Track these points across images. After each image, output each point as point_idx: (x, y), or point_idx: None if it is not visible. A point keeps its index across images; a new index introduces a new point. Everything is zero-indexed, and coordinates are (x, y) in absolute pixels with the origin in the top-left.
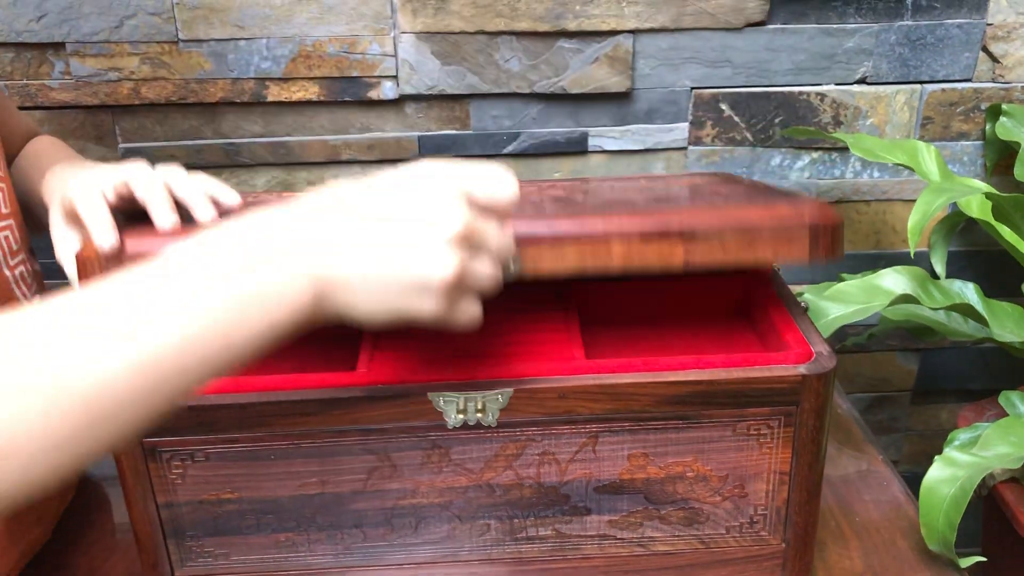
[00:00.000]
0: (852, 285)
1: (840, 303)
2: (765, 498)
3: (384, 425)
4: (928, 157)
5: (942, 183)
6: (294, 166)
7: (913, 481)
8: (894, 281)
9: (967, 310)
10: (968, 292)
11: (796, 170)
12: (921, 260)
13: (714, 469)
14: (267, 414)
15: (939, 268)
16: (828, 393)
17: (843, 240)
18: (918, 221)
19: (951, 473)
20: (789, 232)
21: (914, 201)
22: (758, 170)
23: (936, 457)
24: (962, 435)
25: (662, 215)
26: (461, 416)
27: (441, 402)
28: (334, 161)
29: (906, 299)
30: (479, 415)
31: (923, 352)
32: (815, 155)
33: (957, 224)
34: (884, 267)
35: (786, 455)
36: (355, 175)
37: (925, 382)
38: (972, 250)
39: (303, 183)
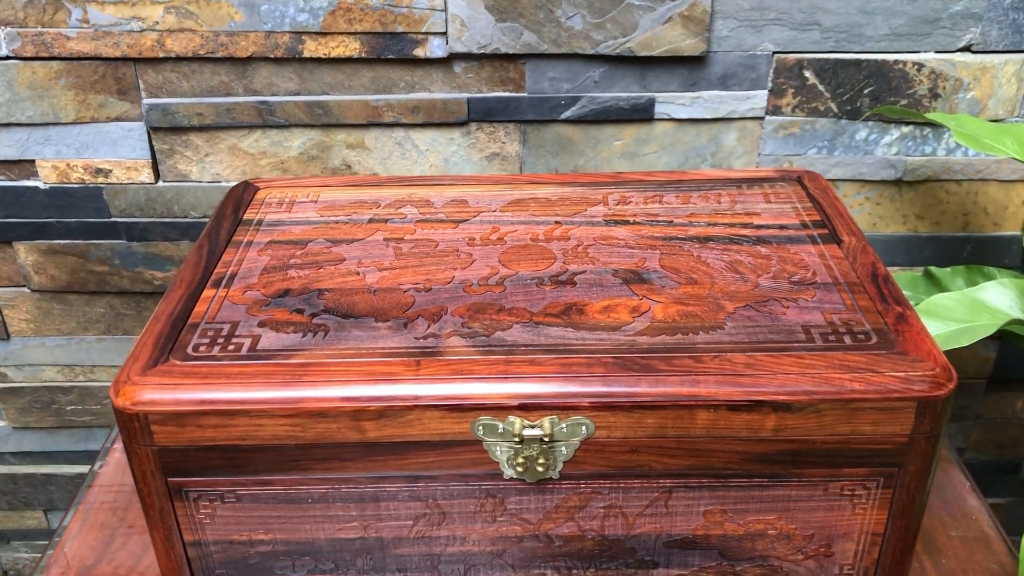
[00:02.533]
0: (951, 299)
1: (937, 320)
2: (853, 558)
3: (434, 472)
4: None
5: None
6: (332, 128)
7: (979, 471)
8: (1000, 296)
9: None
10: None
11: (883, 145)
12: (1006, 243)
13: (799, 528)
14: (304, 458)
15: None
16: (936, 453)
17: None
18: None
19: None
20: (893, 407)
21: (1012, 183)
22: (840, 144)
23: None
24: None
25: (754, 381)
26: (520, 469)
27: (498, 452)
28: (375, 123)
29: (1017, 323)
30: (540, 468)
31: (1001, 340)
32: (905, 130)
33: None
34: (971, 251)
35: (882, 516)
36: (398, 140)
37: (1002, 370)
38: None
39: (341, 146)
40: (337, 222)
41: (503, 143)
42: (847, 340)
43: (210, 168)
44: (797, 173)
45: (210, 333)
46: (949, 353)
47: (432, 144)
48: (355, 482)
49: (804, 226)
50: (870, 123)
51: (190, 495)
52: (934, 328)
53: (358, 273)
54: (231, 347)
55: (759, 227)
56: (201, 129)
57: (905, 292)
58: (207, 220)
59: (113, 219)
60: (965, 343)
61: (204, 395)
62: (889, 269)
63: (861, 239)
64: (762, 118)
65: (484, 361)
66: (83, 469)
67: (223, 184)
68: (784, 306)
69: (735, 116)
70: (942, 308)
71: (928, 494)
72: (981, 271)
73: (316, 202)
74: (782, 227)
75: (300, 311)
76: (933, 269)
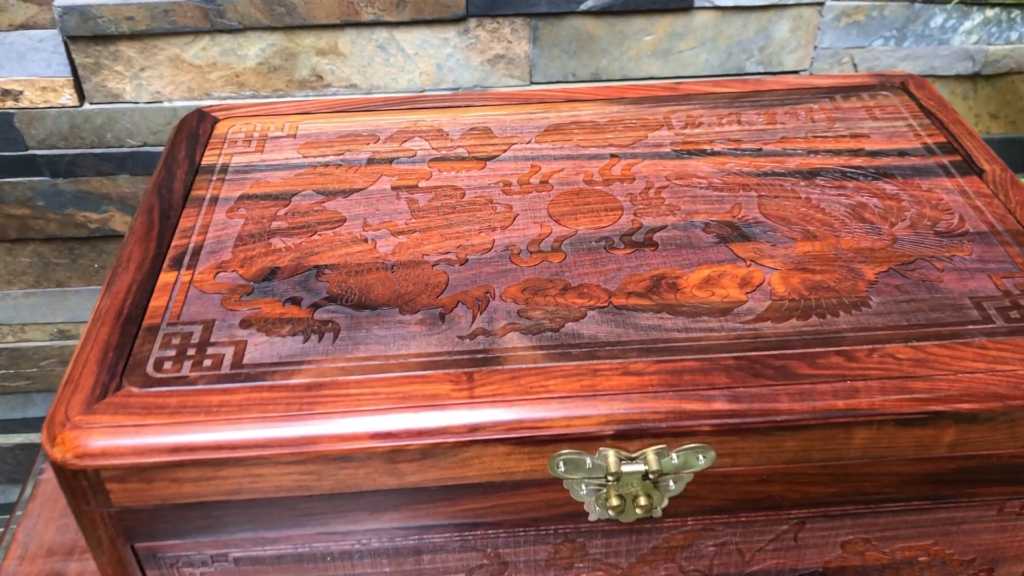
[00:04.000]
0: None
1: None
2: None
3: (494, 519)
4: None
5: None
6: (297, 30)
7: None
8: None
9: None
10: None
11: (961, 33)
12: None
13: (958, 552)
14: (320, 511)
15: None
16: None
17: None
18: None
19: None
20: None
21: None
22: (912, 33)
23: None
24: None
25: (931, 386)
26: (612, 513)
27: (583, 491)
28: (351, 23)
29: None
30: (640, 511)
31: None
32: (990, 13)
33: None
34: None
35: None
36: (379, 42)
37: None
38: None
39: (309, 52)
40: (327, 164)
41: (509, 42)
42: None
43: (148, 86)
44: (899, 79)
45: (176, 341)
46: None
47: (422, 47)
48: (389, 534)
49: (929, 151)
50: (948, 6)
51: (166, 560)
52: None
53: (366, 240)
54: (207, 361)
55: (874, 154)
56: (133, 37)
57: None
58: (149, 150)
59: (31, 151)
60: None
61: (177, 439)
62: None
63: (1005, 168)
64: (821, 3)
65: (560, 370)
66: (21, 439)
67: (165, 105)
68: (938, 269)
69: (789, 2)
70: None
71: None
72: None
73: (295, 136)
74: (902, 153)
75: (296, 301)
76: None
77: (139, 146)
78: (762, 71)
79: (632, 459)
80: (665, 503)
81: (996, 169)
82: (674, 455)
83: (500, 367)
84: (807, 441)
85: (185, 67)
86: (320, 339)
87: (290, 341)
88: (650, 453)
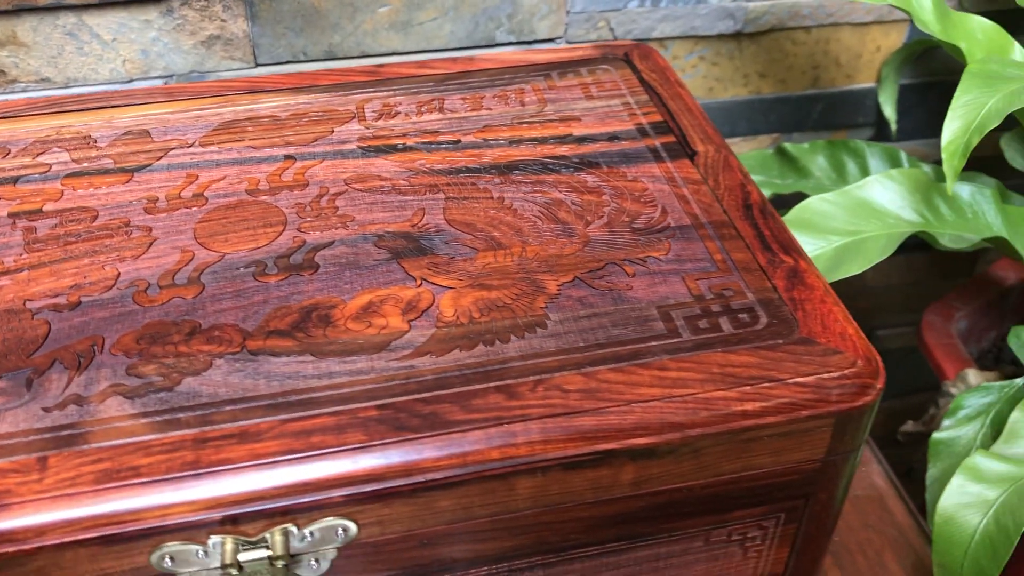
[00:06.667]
0: (828, 202)
1: (814, 233)
2: None
3: None
4: None
5: (986, 64)
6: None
7: None
8: (887, 194)
9: (995, 242)
10: (984, 204)
11: None
12: (859, 97)
13: None
14: None
15: (888, 111)
16: (853, 469)
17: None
18: (958, 135)
19: (977, 494)
20: (803, 430)
21: (866, 26)
22: None
23: (957, 470)
24: (971, 401)
25: (598, 422)
26: None
27: (167, 562)
28: (27, 8)
29: (913, 227)
30: None
31: None
32: None
33: (915, 54)
34: (823, 111)
35: (782, 555)
36: (68, 29)
37: None
38: (925, 82)
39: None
40: None
41: (223, 21)
42: (726, 325)
43: None
44: (623, 48)
45: None
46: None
47: (120, 32)
48: None
49: (642, 133)
50: None
51: None
52: (811, 246)
53: None
54: None
55: (581, 140)
56: None
57: (756, 177)
58: None
59: None
60: (857, 270)
61: None
62: (731, 142)
63: (721, 146)
64: None
65: (160, 444)
66: None
67: None
68: (628, 273)
69: None
70: (819, 215)
71: (839, 515)
72: (846, 146)
73: None
74: (612, 137)
75: None
76: (788, 146)
77: None
78: (514, 41)
79: (253, 544)
80: None
81: (710, 150)
82: (307, 532)
83: (86, 446)
84: (464, 498)
85: None
86: None
87: None
88: (276, 535)
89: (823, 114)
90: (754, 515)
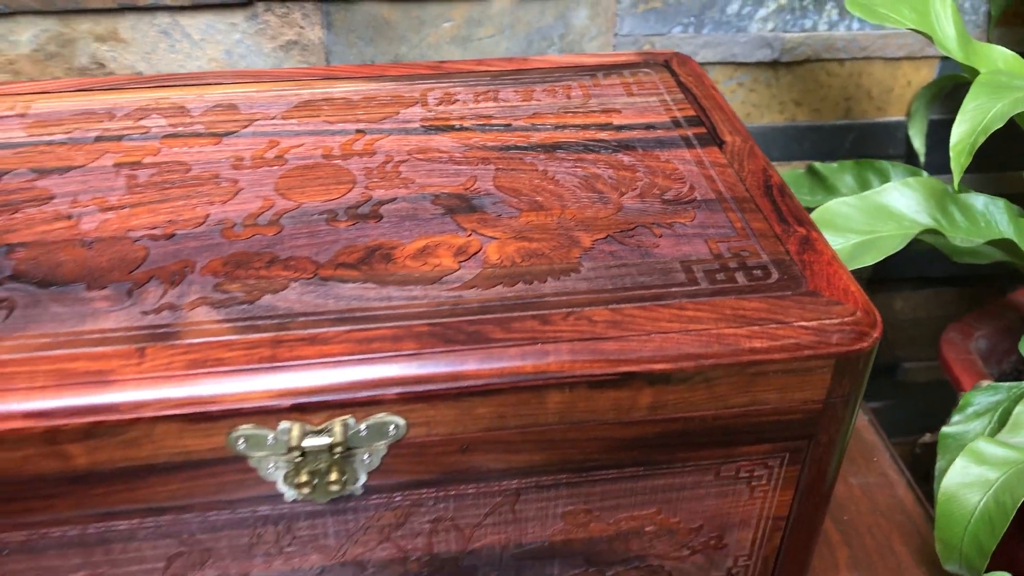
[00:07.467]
0: (849, 205)
1: (835, 231)
2: (751, 547)
3: (182, 502)
4: (944, 14)
5: (995, 76)
6: (72, 15)
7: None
8: (904, 199)
9: (1004, 245)
10: (997, 214)
11: (758, 20)
12: (890, 130)
13: (684, 520)
14: None
15: (917, 144)
16: (853, 417)
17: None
18: (965, 136)
19: (979, 475)
20: (806, 368)
21: (897, 61)
22: (709, 20)
23: (961, 453)
24: (979, 398)
25: (621, 347)
26: (306, 491)
27: (271, 468)
28: (130, 7)
29: (928, 231)
30: (335, 487)
31: None
32: (783, 0)
33: (945, 89)
34: (854, 141)
35: (786, 498)
36: (162, 28)
37: (881, 270)
38: (954, 119)
39: (88, 38)
40: (51, 143)
41: (301, 28)
42: (740, 279)
43: None
44: (664, 56)
45: None
46: None
47: (208, 32)
48: (68, 523)
49: (676, 124)
50: None
51: None
52: (833, 243)
53: (69, 217)
54: None
55: (620, 128)
56: None
57: None
58: None
59: None
60: (871, 261)
61: None
62: None
63: (747, 139)
64: None
65: (241, 343)
66: None
67: None
68: (656, 235)
69: None
70: (840, 217)
71: (840, 464)
72: (872, 166)
73: (25, 116)
74: (649, 127)
75: None
76: (818, 165)
77: None
78: None
79: (317, 432)
80: (363, 479)
81: (737, 140)
82: (363, 426)
83: (177, 342)
84: (500, 407)
85: None
86: None
87: None
88: (336, 425)
89: (855, 144)
90: (760, 452)
